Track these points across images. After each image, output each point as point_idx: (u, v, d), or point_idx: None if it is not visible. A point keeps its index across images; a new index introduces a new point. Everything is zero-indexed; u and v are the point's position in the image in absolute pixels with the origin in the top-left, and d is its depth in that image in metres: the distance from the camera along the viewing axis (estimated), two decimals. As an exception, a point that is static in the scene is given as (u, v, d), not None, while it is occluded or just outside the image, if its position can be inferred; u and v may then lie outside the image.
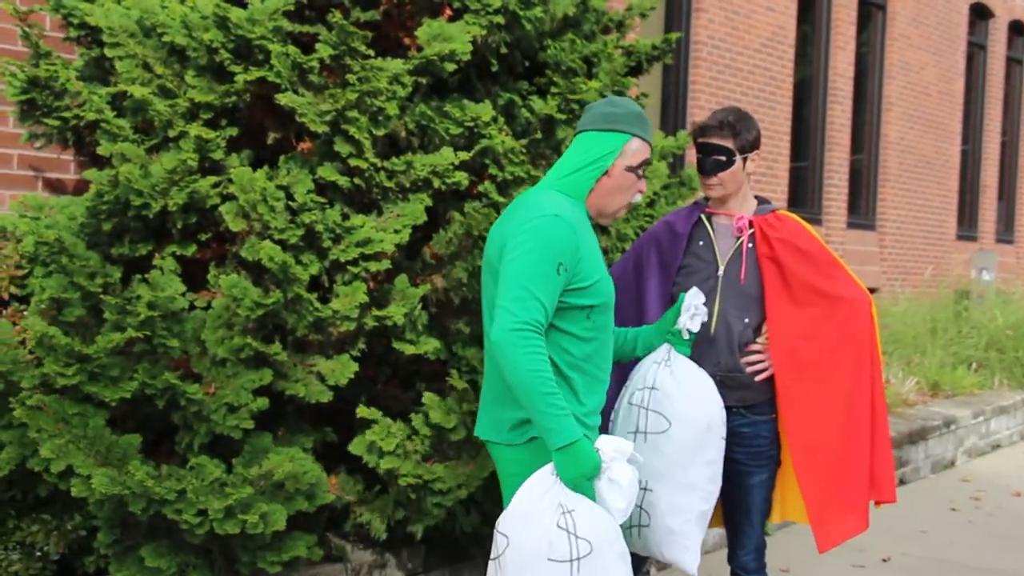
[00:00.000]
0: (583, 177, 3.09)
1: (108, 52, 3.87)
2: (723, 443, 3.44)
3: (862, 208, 12.17)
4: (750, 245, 3.60)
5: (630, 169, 3.11)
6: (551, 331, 2.95)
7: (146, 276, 3.61)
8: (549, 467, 2.89)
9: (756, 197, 3.70)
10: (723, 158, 3.53)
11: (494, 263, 3.01)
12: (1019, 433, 9.32)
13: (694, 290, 3.37)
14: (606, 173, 3.09)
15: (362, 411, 3.80)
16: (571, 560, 2.81)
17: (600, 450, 2.88)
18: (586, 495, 2.87)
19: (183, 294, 3.65)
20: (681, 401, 3.33)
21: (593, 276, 2.99)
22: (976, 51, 14.33)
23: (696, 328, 3.37)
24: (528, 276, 2.85)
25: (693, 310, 3.35)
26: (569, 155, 3.14)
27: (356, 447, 3.81)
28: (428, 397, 3.83)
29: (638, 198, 3.18)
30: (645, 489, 3.34)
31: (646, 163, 3.15)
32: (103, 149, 3.73)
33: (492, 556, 2.91)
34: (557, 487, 2.86)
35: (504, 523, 2.88)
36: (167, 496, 3.42)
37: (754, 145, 3.56)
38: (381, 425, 3.80)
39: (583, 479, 2.85)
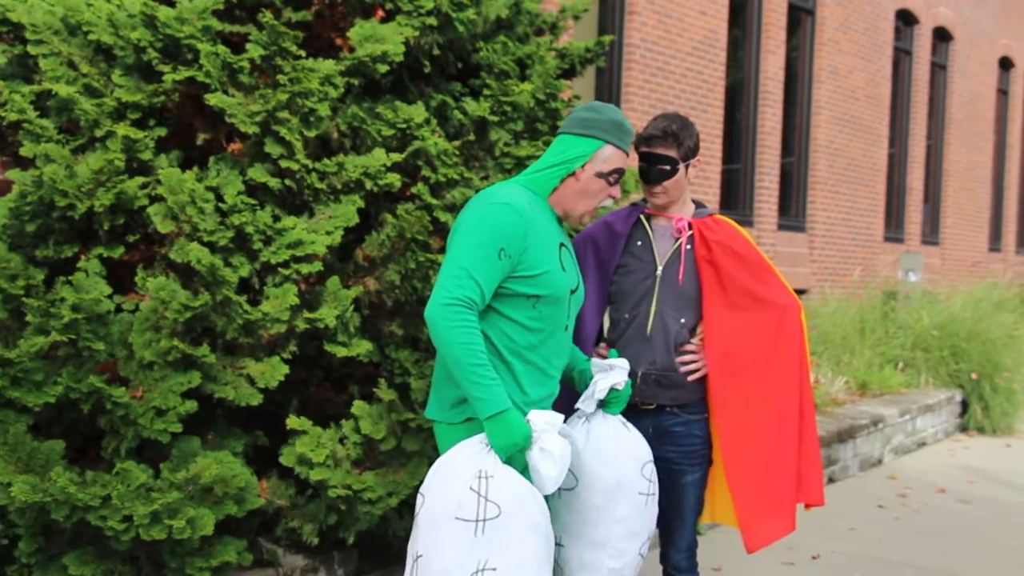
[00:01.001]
0: (548, 175, 3.17)
1: (31, 49, 3.80)
2: (643, 497, 3.37)
3: (792, 210, 12.32)
4: (688, 247, 3.63)
5: (600, 175, 3.17)
6: (495, 315, 3.02)
7: (70, 278, 3.55)
8: (480, 436, 2.95)
9: (693, 200, 3.73)
10: (667, 167, 3.55)
11: (449, 247, 3.07)
12: (944, 431, 9.49)
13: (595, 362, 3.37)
14: (573, 175, 3.16)
15: (292, 422, 3.76)
16: (477, 520, 2.85)
17: (531, 421, 2.93)
18: (516, 467, 2.93)
19: (110, 296, 3.59)
20: (593, 463, 3.30)
21: (541, 267, 3.04)
22: (902, 56, 14.58)
23: (621, 384, 3.33)
24: (467, 257, 2.93)
25: (607, 368, 3.33)
26: (545, 154, 3.22)
27: (286, 458, 3.78)
28: (358, 406, 3.80)
29: (608, 202, 3.25)
30: (558, 545, 3.32)
31: (619, 171, 3.21)
32: (26, 150, 3.66)
33: (415, 516, 2.97)
34: (482, 455, 2.91)
35: (424, 483, 2.96)
36: (91, 502, 3.36)
37: (695, 151, 3.60)
38: (311, 436, 3.76)
39: (514, 448, 2.90)
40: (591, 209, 3.22)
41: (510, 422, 2.89)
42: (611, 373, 3.33)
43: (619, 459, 3.35)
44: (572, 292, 3.19)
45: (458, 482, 2.89)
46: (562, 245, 3.19)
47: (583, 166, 3.16)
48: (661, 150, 3.55)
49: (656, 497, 3.43)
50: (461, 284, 2.90)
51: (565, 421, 3.40)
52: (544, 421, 2.95)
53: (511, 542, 2.86)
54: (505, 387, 2.95)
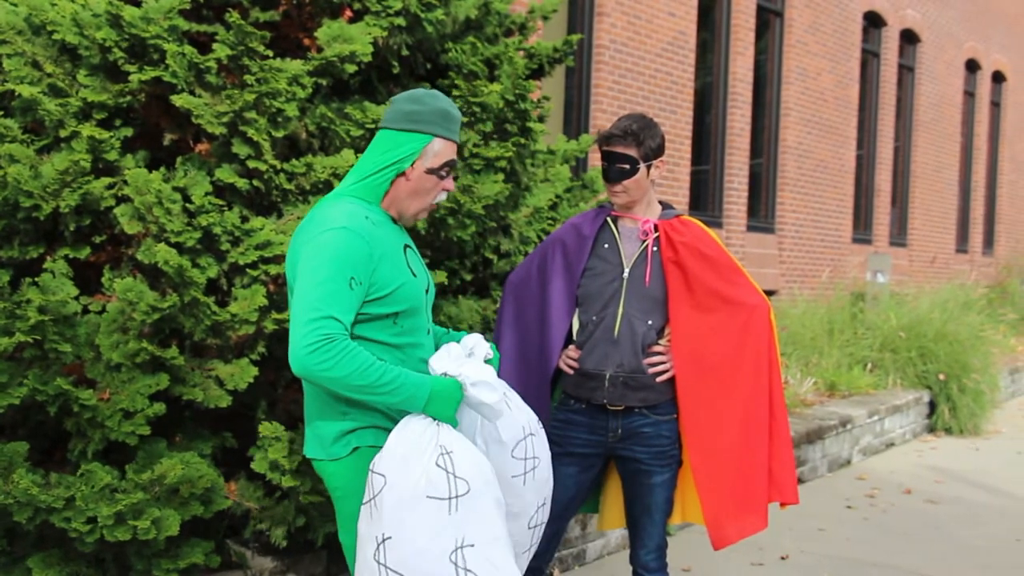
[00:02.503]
0: (378, 179, 2.93)
1: (-5, 49, 3.77)
2: (519, 478, 3.16)
3: (761, 212, 12.38)
4: (655, 249, 3.64)
5: (431, 171, 2.95)
6: (361, 342, 2.82)
7: (36, 279, 3.52)
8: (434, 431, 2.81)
9: (660, 202, 3.74)
10: (627, 166, 3.55)
11: (291, 283, 2.86)
12: (912, 432, 9.55)
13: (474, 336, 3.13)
14: (403, 175, 2.94)
15: (265, 428, 3.73)
16: (450, 498, 2.76)
17: (445, 372, 2.84)
18: (453, 424, 2.83)
19: (76, 298, 3.57)
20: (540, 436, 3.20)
21: (393, 283, 2.86)
22: (870, 58, 14.68)
23: (490, 353, 3.09)
24: (316, 296, 2.70)
25: (472, 345, 3.07)
26: (368, 155, 2.97)
27: (258, 464, 3.74)
28: None
29: (442, 197, 3.03)
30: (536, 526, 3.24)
31: (450, 164, 3.00)
32: (-10, 150, 3.63)
33: (365, 500, 2.81)
34: (434, 428, 2.80)
35: (381, 464, 2.78)
36: (54, 504, 3.33)
37: (658, 152, 3.60)
38: (283, 442, 3.73)
39: (458, 404, 2.82)
40: (426, 207, 3.00)
41: (441, 392, 2.78)
42: (474, 351, 3.05)
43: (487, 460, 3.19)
44: (426, 293, 3.02)
45: (423, 459, 2.77)
46: (407, 247, 2.98)
47: (412, 164, 2.92)
48: (620, 149, 3.55)
49: (540, 464, 3.18)
50: (318, 326, 2.66)
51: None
52: (449, 361, 2.84)
53: (483, 518, 2.79)
54: (386, 407, 2.81)
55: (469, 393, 2.84)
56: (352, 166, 3.78)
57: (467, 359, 2.88)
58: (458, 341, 3.12)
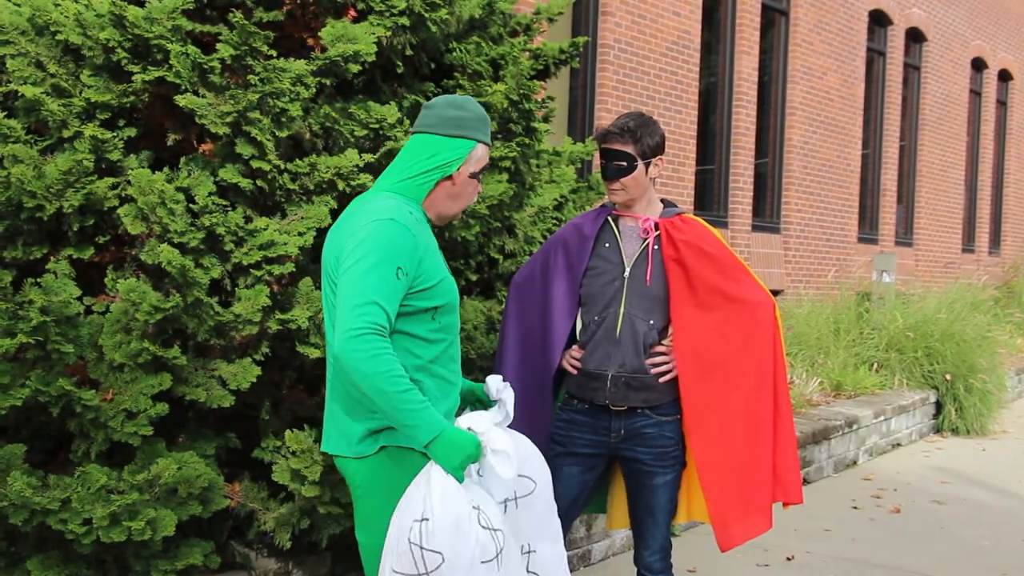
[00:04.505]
0: (422, 181, 3.00)
1: (-2, 50, 3.77)
2: None
3: (767, 211, 12.35)
4: (656, 247, 3.62)
5: (472, 175, 3.04)
6: (396, 335, 2.86)
7: (39, 280, 3.51)
8: (428, 470, 2.78)
9: (662, 200, 3.73)
10: (624, 163, 3.54)
11: (331, 272, 2.91)
12: (918, 432, 9.53)
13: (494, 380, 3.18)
14: (449, 178, 3.01)
15: (289, 438, 3.71)
16: (496, 557, 2.77)
17: (470, 428, 2.82)
18: (460, 480, 2.79)
19: (79, 298, 3.56)
20: (538, 459, 3.24)
21: (435, 277, 2.93)
22: (876, 57, 14.64)
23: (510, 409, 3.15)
24: (366, 283, 2.75)
25: (497, 390, 3.12)
26: (410, 157, 3.02)
27: (279, 475, 3.73)
28: None
29: (475, 200, 3.14)
30: (530, 552, 3.27)
31: (485, 168, 3.10)
32: (-7, 151, 3.62)
33: (418, 572, 2.71)
34: (455, 486, 2.76)
35: (434, 540, 2.71)
36: (50, 506, 3.33)
37: (656, 150, 3.58)
38: (307, 453, 3.71)
39: (470, 461, 2.77)
40: (462, 209, 3.10)
41: (455, 438, 2.76)
42: (504, 394, 3.11)
43: (540, 455, 3.28)
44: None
45: (471, 525, 2.74)
46: (439, 249, 3.06)
47: (459, 169, 3.00)
48: (618, 146, 3.55)
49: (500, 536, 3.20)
50: (366, 312, 2.71)
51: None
52: (484, 422, 2.84)
53: (512, 558, 2.83)
54: None
55: (488, 458, 2.82)
56: (356, 166, 3.79)
57: (495, 426, 2.87)
58: (476, 392, 3.22)
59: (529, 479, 3.23)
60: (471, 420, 2.86)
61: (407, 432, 2.76)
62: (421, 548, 2.71)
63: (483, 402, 3.26)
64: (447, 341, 3.00)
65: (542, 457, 3.27)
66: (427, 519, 2.71)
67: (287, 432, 3.75)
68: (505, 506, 3.16)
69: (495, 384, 3.09)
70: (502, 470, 2.82)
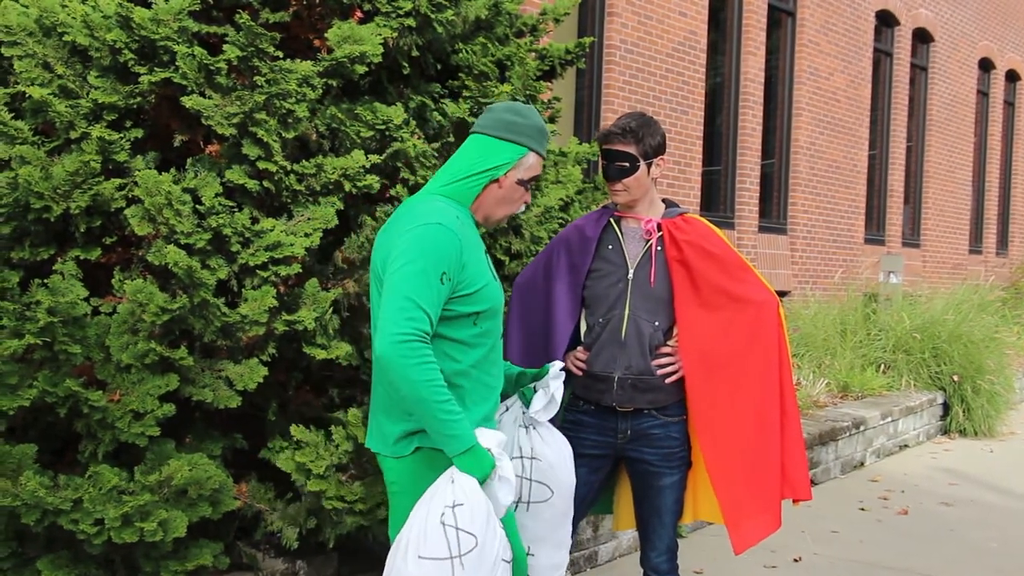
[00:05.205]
0: (472, 183, 3.03)
1: (6, 51, 3.77)
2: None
3: (773, 212, 12.34)
4: (659, 248, 3.62)
5: (520, 182, 3.06)
6: (438, 339, 2.89)
7: (46, 281, 3.52)
8: (452, 471, 2.84)
9: (664, 200, 3.72)
10: (626, 164, 3.54)
11: (379, 273, 2.94)
12: (925, 433, 9.51)
13: (555, 370, 3.32)
14: (496, 182, 3.04)
15: (295, 431, 3.73)
16: (507, 560, 2.86)
17: (489, 449, 2.86)
18: None
19: (86, 299, 3.57)
20: (562, 470, 3.32)
21: (479, 282, 2.94)
22: (882, 58, 14.62)
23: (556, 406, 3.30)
24: (411, 286, 2.78)
25: (549, 397, 3.27)
26: (462, 158, 3.06)
27: (284, 463, 3.74)
28: (352, 414, 3.78)
29: (523, 209, 3.14)
30: (529, 555, 3.31)
31: (536, 178, 3.12)
32: (1, 152, 3.63)
33: (450, 555, 2.77)
34: (476, 483, 2.82)
35: (474, 523, 2.78)
36: (62, 506, 3.34)
37: (658, 150, 3.58)
38: (312, 447, 3.72)
39: (484, 480, 2.84)
40: (509, 214, 3.13)
41: (481, 455, 2.82)
42: (558, 379, 3.27)
43: (570, 461, 3.37)
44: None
45: (495, 519, 2.83)
46: (487, 251, 3.09)
47: (506, 173, 3.03)
48: (620, 147, 3.54)
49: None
50: (411, 316, 2.75)
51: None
52: (497, 444, 2.87)
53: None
54: None
55: (492, 481, 2.86)
56: (362, 167, 3.79)
57: (505, 454, 2.91)
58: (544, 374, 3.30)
59: (546, 487, 3.27)
60: (486, 439, 2.87)
61: (439, 440, 2.81)
62: (457, 529, 2.76)
63: (526, 387, 3.34)
64: (487, 346, 3.01)
65: (571, 468, 3.32)
66: (461, 504, 2.77)
67: (292, 426, 3.75)
68: (515, 506, 3.21)
69: (553, 370, 3.23)
70: (502, 495, 2.87)
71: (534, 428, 3.35)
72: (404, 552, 2.79)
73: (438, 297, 2.82)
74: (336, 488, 3.73)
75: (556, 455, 3.32)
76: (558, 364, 3.32)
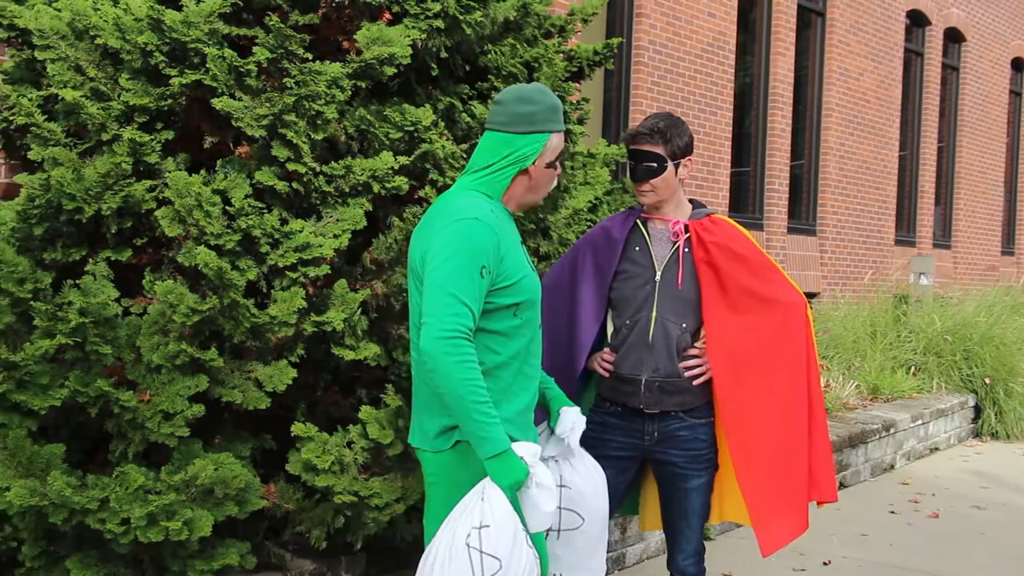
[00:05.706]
0: (500, 176, 3.05)
1: (39, 54, 3.80)
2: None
3: (803, 213, 12.28)
4: (686, 250, 3.60)
5: (549, 165, 3.08)
6: (479, 333, 2.91)
7: (78, 282, 3.54)
8: (483, 485, 2.84)
9: (691, 201, 3.71)
10: (654, 164, 3.53)
11: (418, 271, 2.97)
12: (956, 436, 9.44)
13: (571, 412, 3.28)
14: (525, 172, 3.06)
15: (297, 428, 3.74)
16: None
17: (522, 456, 2.86)
18: (513, 503, 2.86)
19: (117, 300, 3.59)
20: (593, 498, 3.32)
21: (517, 273, 2.97)
22: (913, 58, 14.53)
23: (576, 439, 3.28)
24: (453, 282, 2.81)
25: (570, 427, 3.26)
26: (486, 154, 3.06)
27: (292, 466, 3.76)
28: (365, 411, 3.79)
29: (553, 184, 3.16)
30: None
31: (563, 153, 3.12)
32: (34, 154, 3.66)
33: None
34: (510, 504, 2.82)
35: (499, 547, 2.78)
36: (88, 505, 3.36)
37: (686, 151, 3.57)
38: (316, 442, 3.74)
39: (518, 486, 2.84)
40: (542, 196, 3.16)
41: (512, 460, 2.82)
42: (576, 422, 3.24)
43: (602, 488, 3.36)
44: None
45: (523, 539, 2.82)
46: (522, 242, 3.12)
47: (535, 163, 3.05)
48: (647, 147, 3.53)
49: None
50: (455, 313, 2.78)
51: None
52: (530, 453, 2.87)
53: None
54: (495, 402, 2.86)
55: (531, 489, 2.85)
56: (391, 168, 3.80)
57: (540, 462, 2.91)
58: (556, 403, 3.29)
59: (576, 514, 3.26)
60: (521, 448, 2.87)
61: (473, 440, 2.82)
62: (481, 552, 2.77)
63: (546, 409, 3.32)
64: (527, 337, 3.04)
65: (604, 494, 3.32)
66: (487, 525, 2.78)
67: (296, 424, 3.76)
68: (546, 534, 3.20)
69: (569, 420, 3.19)
70: (543, 502, 2.86)
71: (566, 460, 3.33)
72: (431, 570, 2.80)
73: (480, 291, 2.85)
74: (349, 483, 3.73)
75: (586, 482, 3.31)
76: (571, 416, 3.25)
